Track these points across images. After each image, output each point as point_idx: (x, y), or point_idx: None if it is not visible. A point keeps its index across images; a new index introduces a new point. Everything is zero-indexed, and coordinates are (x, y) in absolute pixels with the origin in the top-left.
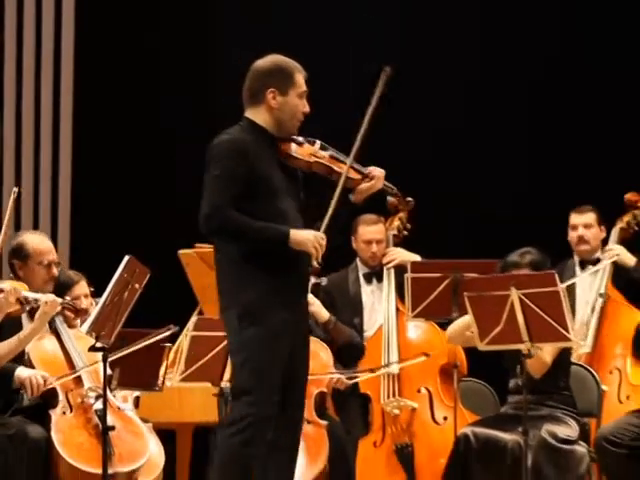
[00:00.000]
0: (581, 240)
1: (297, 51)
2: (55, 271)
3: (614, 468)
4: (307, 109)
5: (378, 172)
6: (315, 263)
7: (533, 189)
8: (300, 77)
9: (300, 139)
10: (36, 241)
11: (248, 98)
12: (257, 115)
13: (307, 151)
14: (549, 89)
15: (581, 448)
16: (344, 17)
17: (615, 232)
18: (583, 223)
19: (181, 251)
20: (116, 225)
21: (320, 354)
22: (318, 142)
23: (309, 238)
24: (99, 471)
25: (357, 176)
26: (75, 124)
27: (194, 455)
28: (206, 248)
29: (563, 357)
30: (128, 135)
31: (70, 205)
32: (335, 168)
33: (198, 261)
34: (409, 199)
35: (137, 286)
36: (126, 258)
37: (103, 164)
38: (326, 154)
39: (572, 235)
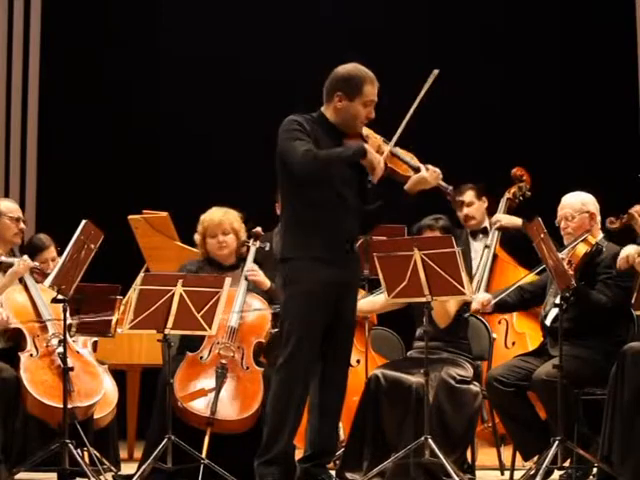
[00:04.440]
0: (467, 217)
1: None
2: (23, 226)
3: (502, 403)
4: (372, 115)
5: (430, 170)
6: (375, 180)
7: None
8: (369, 88)
9: (366, 134)
10: (6, 202)
11: (324, 95)
12: (327, 111)
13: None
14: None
15: (475, 387)
16: None
17: (503, 202)
18: (465, 203)
19: (130, 216)
20: (75, 195)
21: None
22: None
23: (378, 157)
24: (60, 405)
25: (407, 173)
26: (41, 110)
27: (142, 392)
28: (153, 214)
29: (463, 311)
30: (88, 116)
31: (36, 177)
32: (390, 164)
33: (145, 225)
34: (458, 199)
35: (92, 246)
36: (83, 222)
37: (66, 144)
38: (387, 150)
39: (459, 214)
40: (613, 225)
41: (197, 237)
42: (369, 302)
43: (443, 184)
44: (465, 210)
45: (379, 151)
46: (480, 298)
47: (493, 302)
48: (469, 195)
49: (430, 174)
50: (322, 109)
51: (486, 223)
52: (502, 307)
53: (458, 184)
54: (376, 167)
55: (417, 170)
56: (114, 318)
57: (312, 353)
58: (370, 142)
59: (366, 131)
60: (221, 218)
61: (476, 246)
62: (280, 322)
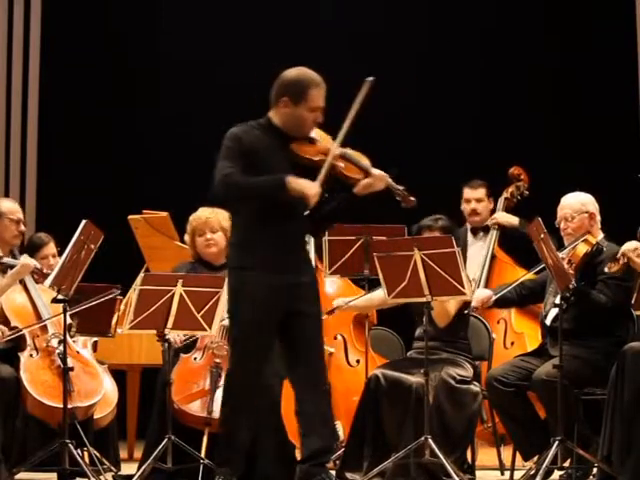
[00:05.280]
0: (474, 212)
1: None
2: (23, 228)
3: (502, 403)
4: (319, 120)
5: (377, 173)
6: (307, 210)
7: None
8: (315, 93)
9: (315, 136)
10: (7, 203)
11: (271, 99)
12: (274, 116)
13: (316, 149)
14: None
15: (475, 387)
16: None
17: (501, 202)
18: (476, 198)
19: (130, 216)
20: (75, 195)
21: None
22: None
23: (307, 185)
24: (60, 405)
25: (356, 175)
26: (41, 112)
27: (142, 392)
28: (153, 214)
29: (464, 309)
30: (89, 117)
31: (36, 177)
32: (337, 165)
33: (145, 225)
34: (412, 199)
35: (92, 246)
36: (83, 222)
37: (66, 144)
38: (337, 152)
39: (466, 207)
40: (613, 269)
41: (186, 238)
42: (366, 298)
43: (393, 185)
44: (474, 204)
45: (328, 153)
46: (480, 296)
47: (494, 298)
48: (481, 192)
49: (377, 177)
50: (270, 114)
51: (488, 222)
52: (501, 302)
53: (456, 183)
54: (307, 195)
55: (366, 172)
56: (114, 318)
57: (260, 356)
58: (318, 144)
59: (315, 133)
60: (208, 216)
61: (476, 245)
62: (229, 328)
